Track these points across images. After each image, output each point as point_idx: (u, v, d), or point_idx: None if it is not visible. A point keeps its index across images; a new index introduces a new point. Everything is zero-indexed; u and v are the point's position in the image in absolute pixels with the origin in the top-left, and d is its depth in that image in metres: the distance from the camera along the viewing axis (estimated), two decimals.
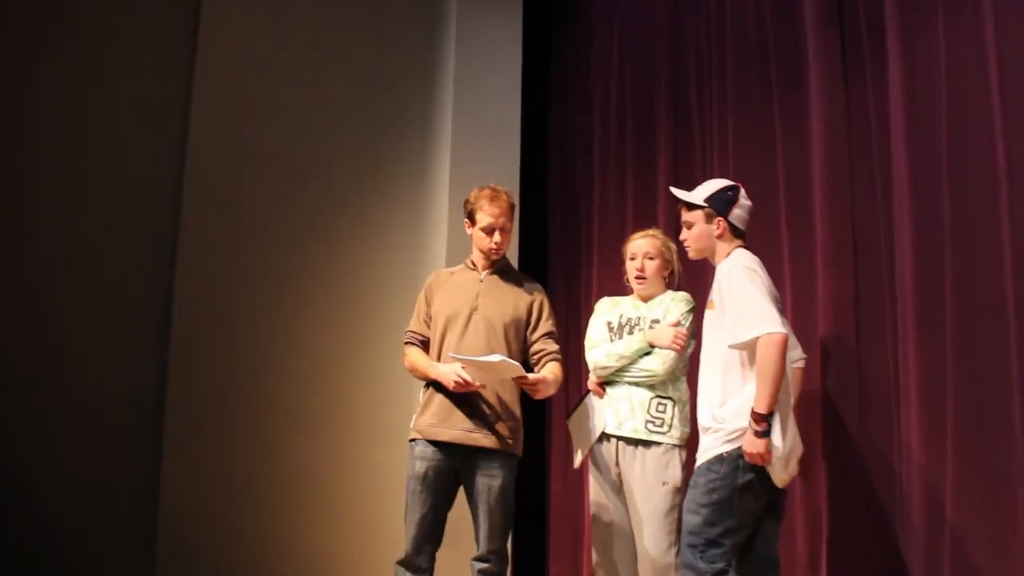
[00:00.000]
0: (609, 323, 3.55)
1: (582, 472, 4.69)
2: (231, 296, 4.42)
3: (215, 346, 4.35)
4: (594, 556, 3.53)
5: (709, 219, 3.06)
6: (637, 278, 3.54)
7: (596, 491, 3.51)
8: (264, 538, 4.34)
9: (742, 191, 3.11)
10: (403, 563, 3.34)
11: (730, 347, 2.89)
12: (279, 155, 4.61)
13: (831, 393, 3.52)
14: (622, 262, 3.62)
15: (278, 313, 4.51)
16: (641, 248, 3.53)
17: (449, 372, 3.28)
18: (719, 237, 3.05)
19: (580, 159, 5.06)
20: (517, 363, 3.24)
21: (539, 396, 3.34)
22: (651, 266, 3.51)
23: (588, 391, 3.58)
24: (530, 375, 3.28)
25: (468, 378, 3.23)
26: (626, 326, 3.49)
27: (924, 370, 3.17)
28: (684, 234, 3.15)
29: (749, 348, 2.86)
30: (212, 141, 4.46)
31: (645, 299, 3.55)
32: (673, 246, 3.52)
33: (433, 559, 3.37)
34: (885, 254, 3.43)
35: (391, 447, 4.47)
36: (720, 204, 3.06)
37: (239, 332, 4.42)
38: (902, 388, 3.29)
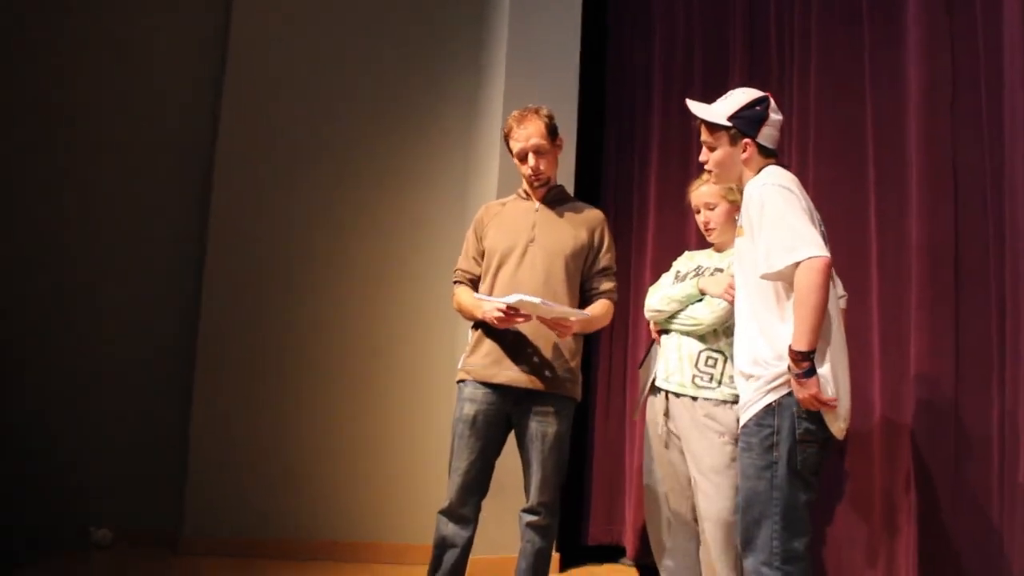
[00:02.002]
0: (678, 272, 3.30)
1: (624, 424, 4.47)
2: (266, 235, 4.23)
3: (248, 290, 4.18)
4: (647, 511, 3.31)
5: (734, 141, 2.63)
6: (705, 230, 3.28)
7: (647, 443, 3.30)
8: (299, 489, 4.17)
9: (771, 103, 2.67)
10: (446, 512, 3.10)
11: (762, 277, 2.49)
12: (317, 86, 4.37)
13: (922, 366, 3.17)
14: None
15: (315, 253, 4.29)
16: (701, 199, 3.25)
17: (489, 308, 2.99)
18: (746, 162, 2.64)
19: (639, 93, 4.70)
20: (538, 299, 2.87)
21: (564, 336, 3.01)
22: (715, 215, 3.22)
23: (653, 340, 3.33)
24: (555, 312, 2.91)
25: (507, 309, 2.91)
26: (692, 274, 3.22)
27: None
28: (704, 155, 2.73)
29: (785, 278, 2.47)
30: (249, 68, 4.25)
31: (720, 250, 3.28)
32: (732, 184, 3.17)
33: (478, 509, 3.13)
34: (992, 201, 3.06)
35: (434, 389, 4.26)
36: (747, 123, 2.62)
37: (273, 272, 4.23)
38: (1009, 370, 2.92)
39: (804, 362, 2.40)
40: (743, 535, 2.55)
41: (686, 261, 3.37)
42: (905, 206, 3.30)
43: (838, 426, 2.51)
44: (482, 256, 3.27)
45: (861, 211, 3.48)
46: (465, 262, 3.31)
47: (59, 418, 4.00)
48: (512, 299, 2.80)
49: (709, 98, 2.84)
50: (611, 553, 4.57)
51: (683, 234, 4.12)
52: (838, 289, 2.84)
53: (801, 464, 2.47)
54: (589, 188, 4.53)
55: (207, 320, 4.08)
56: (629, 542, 4.31)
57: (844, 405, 2.52)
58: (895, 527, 3.26)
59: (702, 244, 3.49)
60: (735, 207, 3.18)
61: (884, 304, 3.36)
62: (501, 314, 2.93)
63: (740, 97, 2.70)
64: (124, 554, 3.84)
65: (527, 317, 2.96)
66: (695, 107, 2.74)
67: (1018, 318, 2.91)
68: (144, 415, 4.13)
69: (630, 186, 4.63)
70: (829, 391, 2.44)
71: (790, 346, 2.43)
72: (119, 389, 4.10)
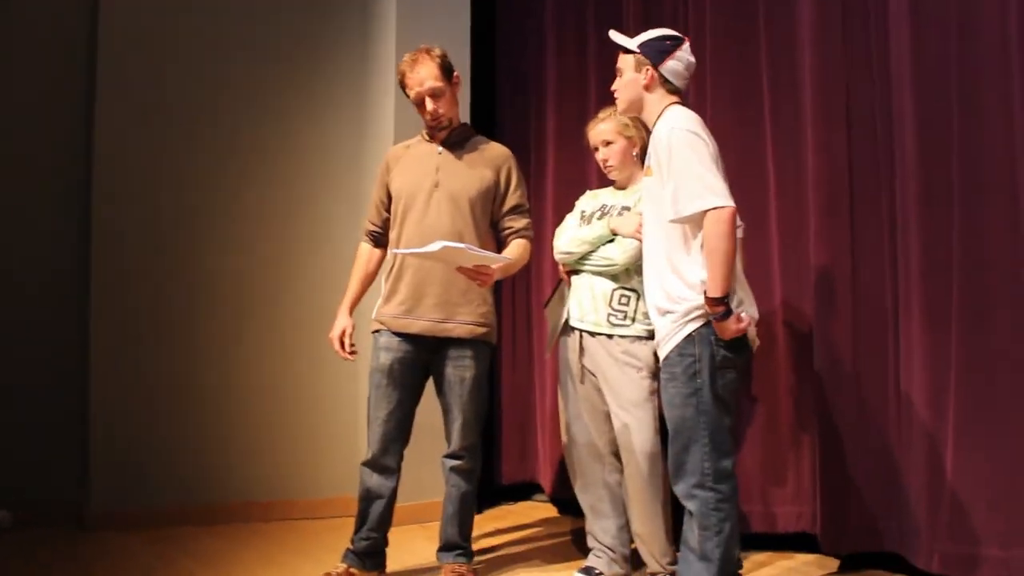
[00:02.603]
0: (583, 212, 3.32)
1: (533, 363, 4.52)
2: (156, 190, 4.00)
3: (142, 244, 3.97)
4: (565, 447, 3.37)
5: (639, 67, 2.75)
6: (604, 168, 3.30)
7: (562, 382, 3.33)
8: (208, 452, 4.03)
9: (685, 45, 2.78)
10: (369, 464, 3.11)
11: (671, 221, 2.60)
12: (205, 34, 4.12)
13: (821, 292, 3.32)
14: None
15: (206, 206, 4.10)
16: (598, 136, 3.27)
17: (335, 333, 3.19)
18: (647, 88, 2.74)
19: (530, 28, 4.63)
20: (463, 245, 2.86)
21: (485, 285, 2.98)
22: (613, 151, 3.25)
23: (560, 280, 3.35)
24: (478, 258, 2.87)
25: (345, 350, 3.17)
26: (598, 213, 3.24)
27: (927, 258, 2.99)
28: (616, 84, 2.84)
29: (693, 222, 2.58)
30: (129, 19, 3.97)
31: (623, 187, 3.30)
32: (628, 120, 3.21)
33: (401, 458, 3.15)
34: (882, 127, 3.19)
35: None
36: (653, 52, 2.73)
37: (167, 225, 4.02)
38: (901, 287, 3.10)
39: (719, 306, 2.52)
40: (673, 462, 2.64)
41: (590, 200, 3.38)
42: (800, 139, 3.40)
43: (754, 340, 2.70)
44: (387, 203, 3.22)
45: (759, 148, 3.56)
46: (371, 212, 3.27)
47: None
48: (436, 247, 2.75)
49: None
50: (525, 491, 4.64)
51: (583, 172, 4.12)
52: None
53: (722, 388, 2.59)
54: (485, 130, 4.45)
55: (98, 285, 3.86)
56: (545, 478, 4.38)
57: (753, 312, 2.69)
58: (800, 446, 3.43)
59: (603, 182, 3.52)
60: (631, 143, 3.24)
61: (784, 233, 3.47)
62: (339, 346, 3.17)
63: (655, 32, 2.81)
64: (28, 535, 3.66)
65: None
66: (615, 35, 2.83)
67: (908, 238, 3.07)
68: (38, 388, 3.90)
69: (527, 126, 4.58)
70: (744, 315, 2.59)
71: (705, 293, 2.53)
72: (7, 364, 3.87)
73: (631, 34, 2.84)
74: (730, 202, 2.53)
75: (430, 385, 3.18)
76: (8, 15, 3.91)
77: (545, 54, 4.52)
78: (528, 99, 4.61)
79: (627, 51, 2.77)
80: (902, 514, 3.10)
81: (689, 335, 2.59)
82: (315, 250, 4.27)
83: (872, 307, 3.22)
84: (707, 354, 2.57)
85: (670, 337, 2.63)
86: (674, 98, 2.75)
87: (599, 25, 4.20)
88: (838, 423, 3.25)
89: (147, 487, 3.89)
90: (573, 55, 4.38)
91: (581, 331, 3.17)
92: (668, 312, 2.64)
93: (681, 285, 2.61)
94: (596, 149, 3.29)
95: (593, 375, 3.17)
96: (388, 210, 3.21)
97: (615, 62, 2.83)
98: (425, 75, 3.07)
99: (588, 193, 3.46)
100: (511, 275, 3.26)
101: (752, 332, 2.69)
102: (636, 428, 3.04)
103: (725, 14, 3.69)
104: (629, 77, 2.77)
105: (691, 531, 2.60)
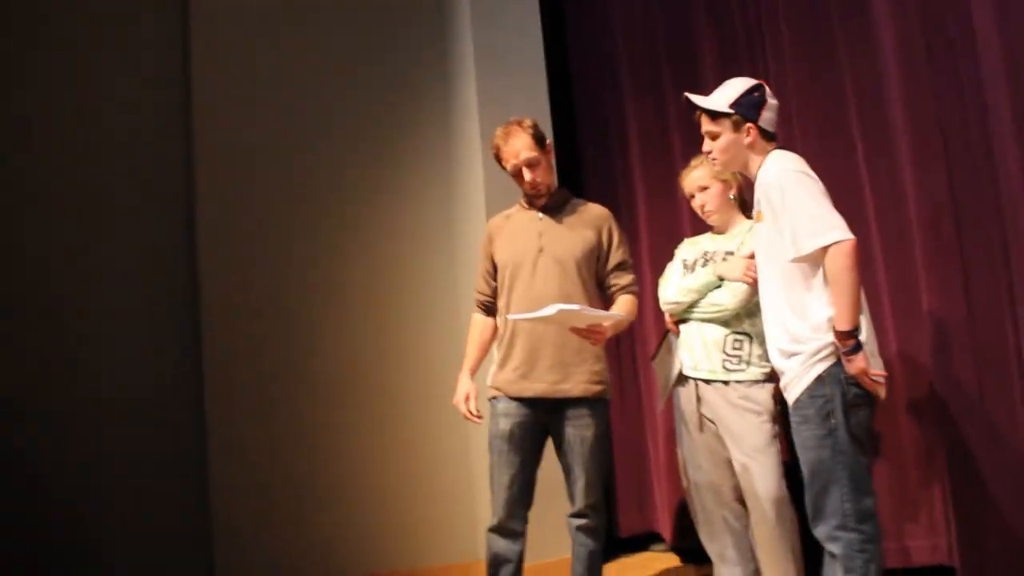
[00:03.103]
0: (685, 260, 3.35)
1: (642, 414, 4.51)
2: (259, 262, 4.14)
3: (251, 323, 4.08)
4: (689, 498, 3.34)
5: (737, 127, 2.75)
6: (703, 214, 3.34)
7: (682, 434, 3.32)
8: (330, 525, 4.08)
9: (767, 89, 2.80)
10: (495, 529, 3.12)
11: (792, 260, 2.61)
12: (293, 113, 4.31)
13: (935, 318, 3.24)
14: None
15: (307, 276, 4.23)
16: (693, 183, 3.32)
17: (459, 397, 3.22)
18: (750, 147, 2.76)
19: (608, 82, 4.71)
20: (577, 306, 2.89)
21: (597, 344, 3.01)
22: (709, 196, 3.29)
23: (667, 331, 3.36)
24: (591, 317, 2.91)
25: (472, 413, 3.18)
26: (700, 260, 3.26)
27: None
28: (708, 145, 2.84)
29: (813, 260, 2.59)
30: (215, 95, 4.15)
31: (721, 231, 3.33)
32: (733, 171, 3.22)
33: (526, 521, 3.16)
34: (979, 146, 3.12)
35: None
36: (748, 108, 2.74)
37: (274, 304, 4.14)
38: (1019, 304, 3.01)
39: (849, 339, 2.51)
40: (812, 505, 2.62)
41: (689, 248, 3.41)
42: (897, 166, 3.36)
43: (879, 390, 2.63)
44: (492, 273, 3.29)
45: (853, 179, 3.51)
46: (478, 282, 3.35)
47: (72, 476, 3.79)
48: (551, 310, 2.78)
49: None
50: (642, 542, 4.60)
51: (676, 222, 4.14)
52: None
53: (856, 427, 2.58)
54: (571, 189, 4.54)
55: (210, 360, 3.97)
56: (664, 527, 4.34)
57: (877, 366, 2.64)
58: (927, 475, 3.34)
59: (696, 230, 3.53)
60: (727, 186, 3.26)
61: (890, 264, 3.42)
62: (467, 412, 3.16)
63: (738, 85, 2.81)
64: None
65: None
66: (696, 98, 2.83)
67: (1021, 255, 3.00)
68: (157, 473, 3.96)
69: (613, 179, 4.64)
70: (873, 362, 2.56)
71: (834, 328, 2.52)
72: (121, 443, 3.93)
73: (708, 85, 2.86)
74: (850, 235, 2.54)
75: (549, 443, 3.21)
76: (102, 95, 4.06)
77: (625, 113, 4.59)
78: (612, 160, 4.68)
79: (717, 115, 2.77)
80: None
81: (819, 376, 2.58)
82: (418, 325, 4.38)
83: (990, 324, 3.13)
84: (838, 393, 2.56)
85: (798, 380, 2.62)
86: (773, 144, 2.77)
87: (675, 76, 4.26)
88: (965, 447, 3.15)
89: (271, 564, 3.94)
90: (651, 112, 4.44)
91: (696, 380, 3.17)
92: (794, 354, 2.64)
93: (805, 326, 2.61)
94: (692, 196, 3.33)
95: (712, 423, 3.16)
96: (494, 279, 3.28)
97: (693, 111, 2.84)
98: (520, 146, 3.16)
99: (687, 241, 3.48)
100: (622, 330, 3.28)
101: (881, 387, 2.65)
102: (760, 474, 3.02)
103: (804, 47, 3.69)
104: (728, 139, 2.77)
105: (834, 574, 2.56)
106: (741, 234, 3.24)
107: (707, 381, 3.14)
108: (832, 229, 2.53)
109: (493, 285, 3.29)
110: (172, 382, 4.03)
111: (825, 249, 2.53)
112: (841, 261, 2.52)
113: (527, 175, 3.17)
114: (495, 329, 3.31)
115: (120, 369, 3.92)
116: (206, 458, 3.96)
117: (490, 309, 3.32)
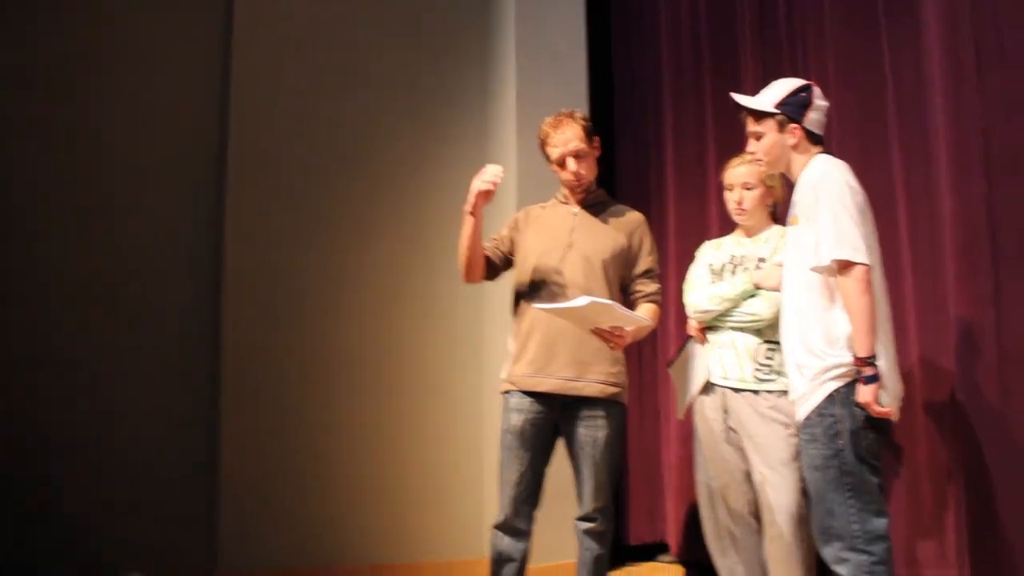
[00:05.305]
0: (711, 265, 3.25)
1: (659, 421, 4.43)
2: (287, 256, 4.10)
3: (271, 314, 4.04)
4: (702, 510, 3.25)
5: (782, 127, 2.69)
6: (737, 211, 3.21)
7: (699, 442, 3.22)
8: (336, 515, 4.05)
9: (816, 90, 2.73)
10: (501, 526, 3.06)
11: (811, 269, 2.55)
12: (329, 101, 4.27)
13: (961, 341, 3.15)
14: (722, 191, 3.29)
15: (331, 271, 4.19)
16: (739, 178, 3.19)
17: (474, 184, 3.02)
18: (795, 148, 2.69)
19: (649, 77, 4.66)
20: (609, 301, 2.83)
21: (618, 348, 2.95)
22: (750, 197, 3.18)
23: (689, 337, 3.28)
24: (619, 317, 2.84)
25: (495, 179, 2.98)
26: (729, 265, 3.17)
27: None
28: (752, 146, 2.78)
29: (829, 272, 2.52)
30: (254, 88, 4.10)
31: (749, 234, 3.23)
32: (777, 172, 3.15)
33: (532, 520, 3.09)
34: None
35: (474, 401, 4.23)
36: (794, 109, 2.68)
37: (296, 296, 4.11)
38: None
39: (867, 367, 2.45)
40: (819, 526, 2.55)
41: (713, 251, 3.31)
42: (934, 180, 3.28)
43: (893, 407, 2.55)
44: (506, 249, 3.24)
45: (887, 187, 3.45)
46: (491, 240, 3.28)
47: (83, 457, 3.82)
48: (583, 301, 2.73)
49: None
50: (649, 551, 4.53)
51: (704, 230, 4.07)
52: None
53: (865, 449, 2.49)
54: (605, 188, 4.51)
55: (229, 352, 3.94)
56: (673, 539, 4.27)
57: (896, 387, 2.57)
58: (941, 504, 3.26)
59: (723, 231, 3.44)
60: (770, 193, 3.18)
61: (919, 280, 3.34)
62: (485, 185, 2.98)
63: (785, 85, 2.75)
64: None
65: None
66: (741, 98, 2.78)
67: None
68: (169, 455, 3.96)
69: (647, 185, 4.61)
70: (883, 397, 2.48)
71: (854, 354, 2.46)
72: (139, 427, 3.95)
73: (750, 88, 2.80)
74: (865, 260, 2.47)
75: (560, 444, 3.14)
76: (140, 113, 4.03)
77: (663, 120, 4.56)
78: (647, 166, 4.65)
79: (762, 115, 2.71)
80: None
81: (830, 395, 2.51)
82: (435, 321, 4.35)
83: (1017, 350, 3.04)
84: (847, 414, 2.49)
85: (808, 397, 2.56)
86: (819, 147, 2.70)
87: (716, 86, 4.20)
88: (984, 476, 3.06)
89: (275, 551, 3.91)
90: (690, 121, 4.39)
91: (724, 388, 3.09)
92: (805, 367, 2.57)
93: (822, 339, 2.54)
94: (731, 189, 3.22)
95: (735, 433, 3.08)
96: (502, 252, 3.24)
97: (732, 109, 2.79)
98: (571, 135, 3.12)
99: (709, 243, 3.38)
100: (642, 337, 3.21)
101: (895, 411, 2.58)
102: (781, 488, 2.92)
103: (848, 61, 3.63)
104: (773, 139, 2.71)
105: None
106: (773, 240, 3.15)
107: (736, 390, 3.06)
108: (848, 247, 2.47)
109: (499, 253, 3.24)
110: (191, 364, 4.00)
111: (839, 264, 2.47)
112: (851, 285, 2.47)
113: (572, 165, 3.12)
114: (486, 259, 3.22)
115: (143, 365, 3.91)
116: (218, 449, 3.94)
117: (492, 266, 3.25)
